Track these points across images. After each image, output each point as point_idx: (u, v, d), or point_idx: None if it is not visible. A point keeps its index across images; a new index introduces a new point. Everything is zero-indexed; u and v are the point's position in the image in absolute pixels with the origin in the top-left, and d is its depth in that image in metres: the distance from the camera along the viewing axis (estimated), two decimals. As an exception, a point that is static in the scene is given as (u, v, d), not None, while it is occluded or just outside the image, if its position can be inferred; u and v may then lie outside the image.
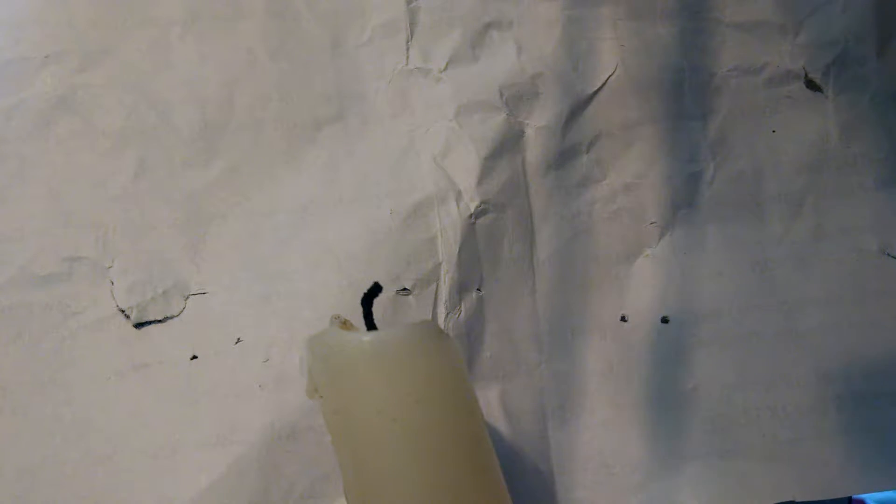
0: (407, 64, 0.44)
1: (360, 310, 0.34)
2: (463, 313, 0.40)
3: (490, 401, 0.39)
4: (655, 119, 0.44)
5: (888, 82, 0.45)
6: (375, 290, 0.34)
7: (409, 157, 0.42)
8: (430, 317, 0.40)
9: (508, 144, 0.43)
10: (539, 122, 0.43)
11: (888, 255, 0.42)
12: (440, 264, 0.41)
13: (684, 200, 0.43)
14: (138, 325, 0.39)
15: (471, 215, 0.41)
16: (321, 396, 0.32)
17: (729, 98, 0.44)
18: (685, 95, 0.44)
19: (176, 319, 0.40)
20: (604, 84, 0.44)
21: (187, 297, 0.40)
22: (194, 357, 0.39)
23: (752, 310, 0.41)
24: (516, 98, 0.43)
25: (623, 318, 0.41)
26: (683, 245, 0.42)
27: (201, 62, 0.43)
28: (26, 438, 0.37)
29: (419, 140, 0.43)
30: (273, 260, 0.40)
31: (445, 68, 0.44)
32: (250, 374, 0.39)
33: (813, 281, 0.42)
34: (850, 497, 0.40)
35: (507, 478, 0.33)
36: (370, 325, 0.34)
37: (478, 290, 0.41)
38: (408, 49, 0.44)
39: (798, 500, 0.38)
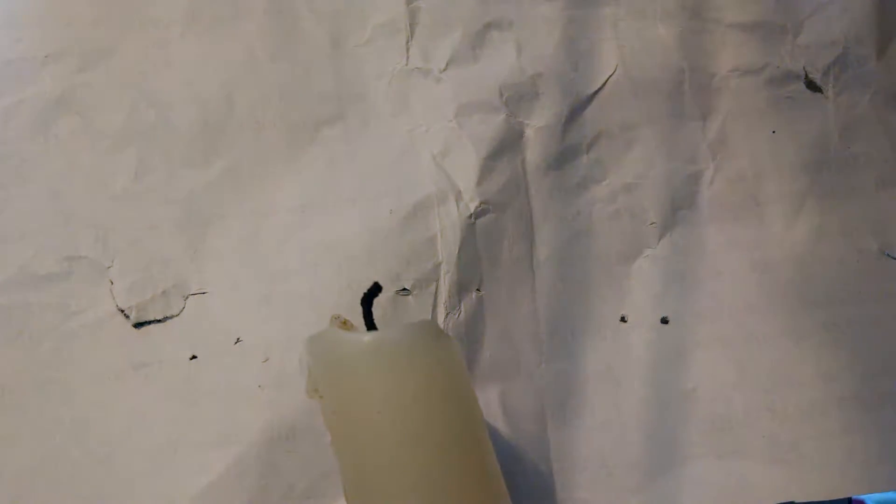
0: (407, 64, 0.44)
1: (360, 310, 0.34)
2: (463, 313, 0.40)
3: (490, 401, 0.39)
4: (655, 119, 0.44)
5: (888, 82, 0.45)
6: (375, 290, 0.34)
7: (409, 157, 0.42)
8: (430, 317, 0.40)
9: (508, 144, 0.43)
10: (539, 122, 0.43)
11: (888, 255, 0.42)
12: (440, 264, 0.41)
13: (684, 200, 0.43)
14: (138, 325, 0.39)
15: (471, 215, 0.41)
16: (321, 396, 0.32)
17: (729, 98, 0.44)
18: (685, 95, 0.44)
19: (176, 319, 0.40)
20: (604, 84, 0.44)
21: (187, 297, 0.40)
22: (194, 357, 0.39)
23: (752, 310, 0.41)
24: (516, 98, 0.43)
25: (623, 319, 0.41)
26: (683, 245, 0.42)
27: (201, 62, 0.43)
28: (26, 438, 0.37)
29: (419, 140, 0.43)
30: (273, 260, 0.40)
31: (445, 68, 0.44)
32: (250, 374, 0.39)
33: (813, 281, 0.42)
34: (850, 497, 0.40)
35: (507, 478, 0.33)
36: (370, 325, 0.34)
37: (478, 290, 0.41)
38: (408, 49, 0.44)
39: (798, 500, 0.38)
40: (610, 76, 0.44)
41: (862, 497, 0.42)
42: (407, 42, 0.44)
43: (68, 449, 0.37)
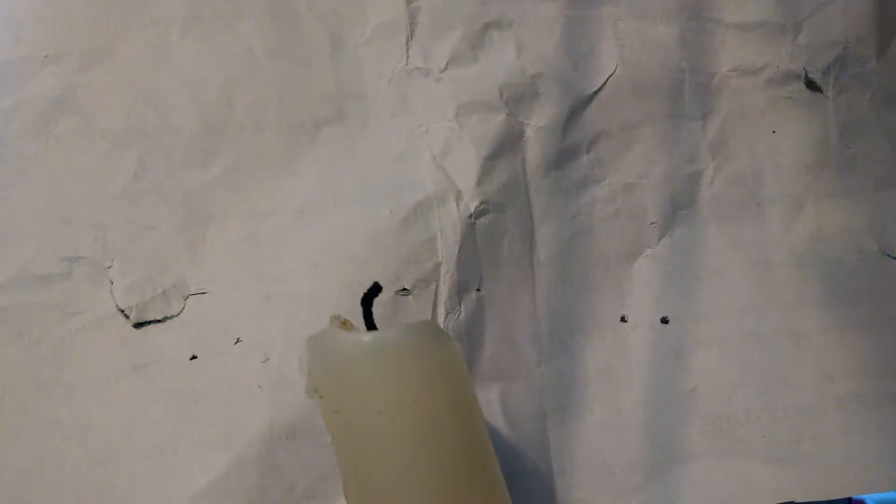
0: (407, 64, 0.44)
1: (360, 310, 0.34)
2: (463, 313, 0.40)
3: (490, 401, 0.39)
4: (655, 119, 0.44)
5: (888, 82, 0.45)
6: (375, 290, 0.34)
7: (409, 157, 0.42)
8: (430, 317, 0.40)
9: (508, 144, 0.43)
10: (539, 122, 0.43)
11: (888, 255, 0.42)
12: (440, 264, 0.41)
13: (684, 200, 0.43)
14: (138, 325, 0.39)
15: (471, 215, 0.41)
16: (321, 396, 0.32)
17: (729, 98, 0.44)
18: (685, 95, 0.44)
19: (176, 319, 0.39)
20: (604, 84, 0.44)
21: (187, 297, 0.40)
22: (194, 357, 0.39)
23: (752, 310, 0.41)
24: (516, 98, 0.43)
25: (623, 318, 0.41)
26: (683, 245, 0.42)
27: (201, 62, 0.43)
28: (26, 438, 0.37)
29: (419, 140, 0.43)
30: (273, 260, 0.40)
31: (445, 68, 0.44)
32: (250, 374, 0.39)
33: (813, 281, 0.42)
34: (850, 497, 0.40)
35: (507, 478, 0.33)
36: (370, 325, 0.34)
37: (478, 290, 0.41)
38: (408, 49, 0.44)
39: (798, 500, 0.38)
40: (610, 76, 0.44)
41: (862, 497, 0.42)
42: (407, 42, 0.44)
43: (68, 449, 0.37)
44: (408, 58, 0.44)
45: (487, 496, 0.32)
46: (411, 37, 0.44)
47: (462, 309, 0.41)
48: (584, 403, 0.40)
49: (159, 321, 0.39)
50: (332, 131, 0.43)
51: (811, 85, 0.45)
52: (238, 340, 0.39)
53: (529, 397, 0.40)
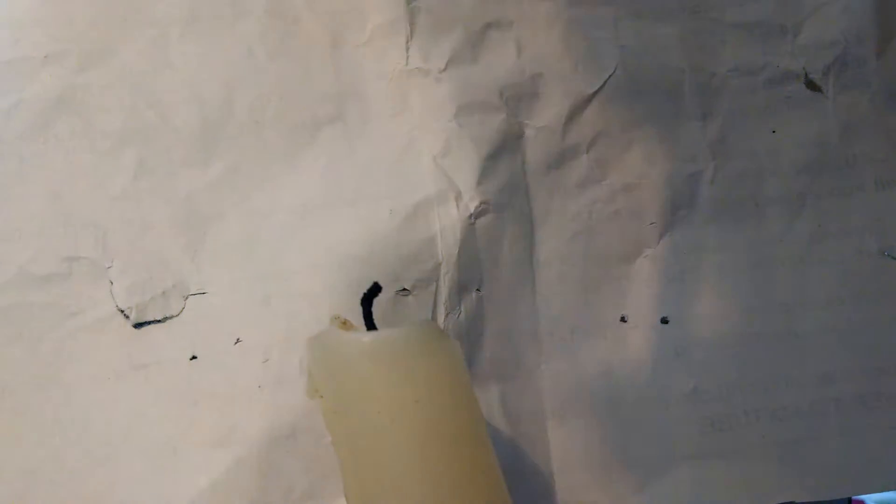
0: (407, 64, 0.44)
1: (360, 310, 0.34)
2: (463, 313, 0.40)
3: (490, 401, 0.39)
4: (655, 119, 0.44)
5: (888, 82, 0.45)
6: (375, 290, 0.34)
7: (409, 157, 0.42)
8: (430, 317, 0.40)
9: (508, 144, 0.43)
10: (539, 122, 0.43)
11: (888, 255, 0.42)
12: (440, 264, 0.41)
13: (684, 200, 0.43)
14: (138, 325, 0.39)
15: (471, 215, 0.41)
16: (321, 396, 0.33)
17: (729, 98, 0.44)
18: (685, 95, 0.44)
19: (175, 319, 0.40)
20: (604, 84, 0.44)
21: (187, 297, 0.40)
22: (194, 357, 0.39)
23: (752, 310, 0.41)
24: (516, 98, 0.43)
25: (623, 319, 0.41)
26: (683, 245, 0.42)
27: (201, 62, 0.43)
28: (26, 438, 0.37)
29: (419, 140, 0.43)
30: (273, 260, 0.40)
31: (445, 68, 0.44)
32: (250, 375, 0.39)
33: (813, 281, 0.42)
34: (850, 497, 0.40)
35: (507, 478, 0.33)
36: (370, 325, 0.34)
37: (478, 290, 0.41)
38: (408, 49, 0.44)
39: (798, 500, 0.38)
40: (610, 76, 0.44)
41: (862, 497, 0.42)
42: (407, 42, 0.44)
43: (68, 449, 0.37)
44: (408, 58, 0.44)
45: (487, 496, 0.32)
46: (411, 37, 0.44)
47: (462, 309, 0.41)
48: (584, 403, 0.40)
49: (159, 321, 0.39)
50: (332, 131, 0.43)
51: (811, 85, 0.45)
52: (238, 340, 0.39)
53: (529, 397, 0.40)
